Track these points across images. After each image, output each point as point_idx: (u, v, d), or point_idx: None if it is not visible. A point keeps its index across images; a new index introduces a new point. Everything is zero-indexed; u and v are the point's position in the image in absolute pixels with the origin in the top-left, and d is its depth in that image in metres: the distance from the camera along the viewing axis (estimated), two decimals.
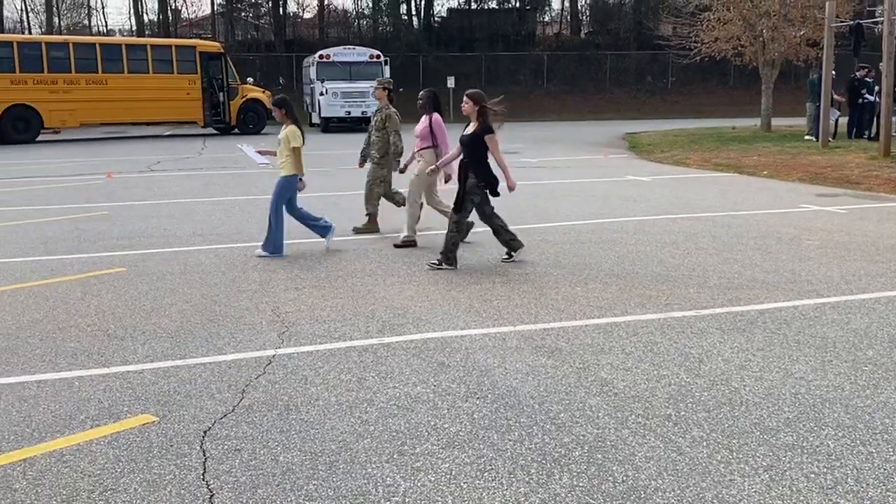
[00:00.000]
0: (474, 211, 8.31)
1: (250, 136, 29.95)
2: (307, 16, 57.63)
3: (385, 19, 53.16)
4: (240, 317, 6.47)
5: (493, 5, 55.13)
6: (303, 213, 9.11)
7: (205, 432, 4.29)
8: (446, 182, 9.43)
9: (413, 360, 5.38)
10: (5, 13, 49.95)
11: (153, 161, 20.86)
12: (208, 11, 55.57)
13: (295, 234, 9.41)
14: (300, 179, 8.90)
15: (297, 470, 3.87)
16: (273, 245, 8.75)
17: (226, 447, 4.11)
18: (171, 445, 4.14)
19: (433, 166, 9.10)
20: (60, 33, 46.13)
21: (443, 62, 46.33)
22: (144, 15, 53.48)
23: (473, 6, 55.12)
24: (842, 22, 22.97)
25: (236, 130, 31.62)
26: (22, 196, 14.11)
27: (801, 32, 25.61)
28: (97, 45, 29.79)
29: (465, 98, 8.20)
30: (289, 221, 8.91)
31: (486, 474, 3.81)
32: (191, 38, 42.55)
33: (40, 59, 27.85)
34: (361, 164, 10.50)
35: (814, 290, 7.13)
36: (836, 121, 22.80)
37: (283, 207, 8.86)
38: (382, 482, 3.74)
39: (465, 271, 7.96)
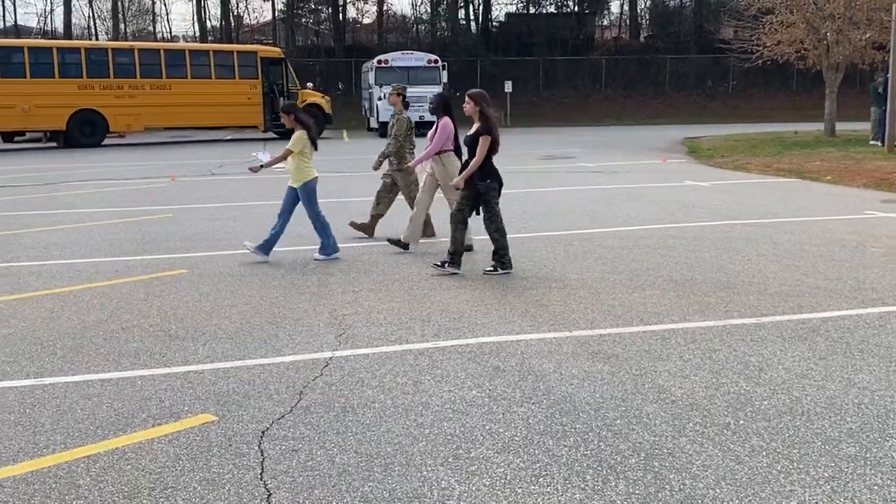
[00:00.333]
0: (464, 209, 8.11)
1: None
2: (366, 21, 58.25)
3: (443, 24, 53.40)
4: (298, 319, 6.55)
5: (552, 10, 54.95)
6: (286, 218, 8.88)
7: (263, 432, 4.35)
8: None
9: (468, 365, 5.38)
10: (73, 20, 51.35)
11: (215, 165, 21.23)
12: (269, 17, 56.46)
13: (347, 238, 9.48)
14: (261, 164, 9.05)
15: (353, 471, 3.90)
16: (328, 248, 8.83)
17: (283, 447, 4.17)
18: (230, 445, 4.20)
19: (409, 164, 9.45)
20: (126, 39, 47.21)
21: (500, 67, 46.36)
22: (207, 21, 54.58)
23: (532, 11, 55.01)
24: None
25: None
26: (88, 199, 14.48)
27: (867, 35, 24.98)
28: (161, 52, 30.44)
29: (466, 98, 8.13)
30: (292, 224, 8.91)
31: (541, 480, 3.79)
32: (252, 43, 43.22)
33: (106, 64, 28.55)
34: (376, 167, 10.38)
35: (879, 298, 6.96)
36: None
37: (320, 209, 8.88)
38: (437, 485, 3.76)
39: (520, 276, 7.95)
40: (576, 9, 54.56)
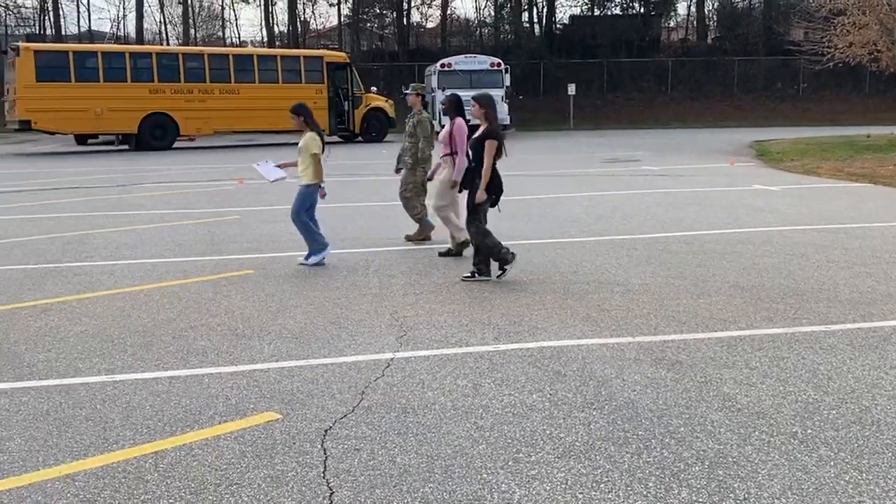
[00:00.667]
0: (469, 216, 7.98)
1: (373, 143, 30.54)
2: (430, 25, 58.47)
3: (506, 27, 53.32)
4: (360, 320, 6.61)
5: (617, 12, 54.47)
6: (309, 224, 8.84)
7: (326, 431, 4.41)
8: (429, 179, 9.57)
9: (529, 369, 5.37)
10: (145, 25, 52.64)
11: None
12: (335, 22, 57.06)
13: (404, 242, 9.50)
14: (321, 187, 8.83)
15: (414, 472, 3.93)
16: (315, 249, 8.67)
17: (345, 447, 4.21)
18: (294, 443, 4.27)
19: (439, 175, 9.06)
20: (196, 45, 48.21)
21: (563, 69, 46.13)
22: (275, 27, 55.41)
23: (596, 12, 54.61)
24: None
25: (360, 139, 32.26)
26: (159, 200, 14.83)
27: None
28: (230, 56, 30.99)
29: (472, 102, 8.07)
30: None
31: (602, 486, 3.77)
32: (318, 48, 43.75)
33: (177, 69, 29.16)
34: (397, 171, 10.34)
35: None
36: None
37: (305, 213, 8.77)
38: (497, 488, 3.76)
39: (582, 280, 7.90)
40: (641, 10, 54.00)
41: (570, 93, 39.44)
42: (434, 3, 55.03)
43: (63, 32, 52.16)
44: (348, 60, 33.57)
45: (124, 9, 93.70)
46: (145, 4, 52.27)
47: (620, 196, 14.41)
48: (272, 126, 30.69)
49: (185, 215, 12.76)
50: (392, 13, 54.31)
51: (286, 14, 55.36)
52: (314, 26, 58.94)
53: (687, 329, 6.24)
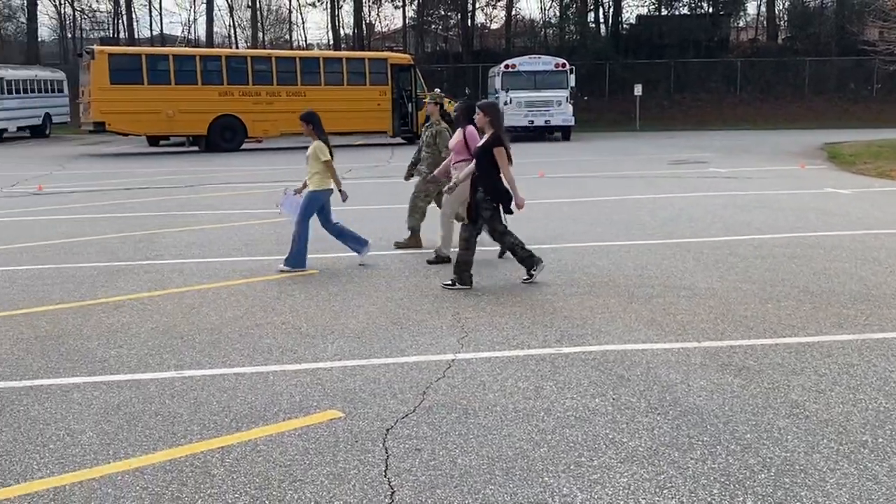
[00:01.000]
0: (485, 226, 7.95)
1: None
2: (494, 26, 58.41)
3: (572, 27, 52.92)
4: (422, 320, 6.64)
5: (685, 11, 53.69)
6: (339, 228, 8.95)
7: (387, 430, 4.44)
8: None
9: (591, 372, 5.33)
10: (215, 28, 53.69)
11: (345, 169, 21.72)
12: (400, 24, 57.40)
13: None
14: (341, 191, 8.79)
15: (475, 473, 3.93)
16: (294, 259, 8.65)
17: (407, 446, 4.24)
18: (356, 441, 4.31)
19: (451, 182, 8.67)
20: (264, 48, 48.95)
21: (630, 70, 45.60)
22: (341, 29, 55.95)
23: (664, 12, 53.92)
24: None
25: None
26: (227, 200, 15.10)
27: None
28: (297, 59, 31.37)
29: (477, 109, 8.02)
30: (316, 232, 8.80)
31: (665, 491, 3.73)
32: (383, 50, 44.07)
33: (245, 72, 29.64)
34: (408, 178, 10.26)
35: None
36: None
37: (309, 222, 8.74)
38: (559, 492, 3.74)
39: (646, 284, 7.81)
40: (710, 10, 53.13)
41: (636, 93, 38.97)
42: (499, 3, 55.03)
43: (136, 36, 53.50)
44: (412, 62, 33.70)
45: (195, 13, 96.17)
46: (215, 8, 53.42)
47: (687, 198, 14.21)
48: (337, 128, 30.87)
49: (252, 215, 12.97)
50: (457, 14, 54.40)
51: (352, 17, 55.85)
52: (379, 28, 59.41)
53: (754, 334, 6.13)
